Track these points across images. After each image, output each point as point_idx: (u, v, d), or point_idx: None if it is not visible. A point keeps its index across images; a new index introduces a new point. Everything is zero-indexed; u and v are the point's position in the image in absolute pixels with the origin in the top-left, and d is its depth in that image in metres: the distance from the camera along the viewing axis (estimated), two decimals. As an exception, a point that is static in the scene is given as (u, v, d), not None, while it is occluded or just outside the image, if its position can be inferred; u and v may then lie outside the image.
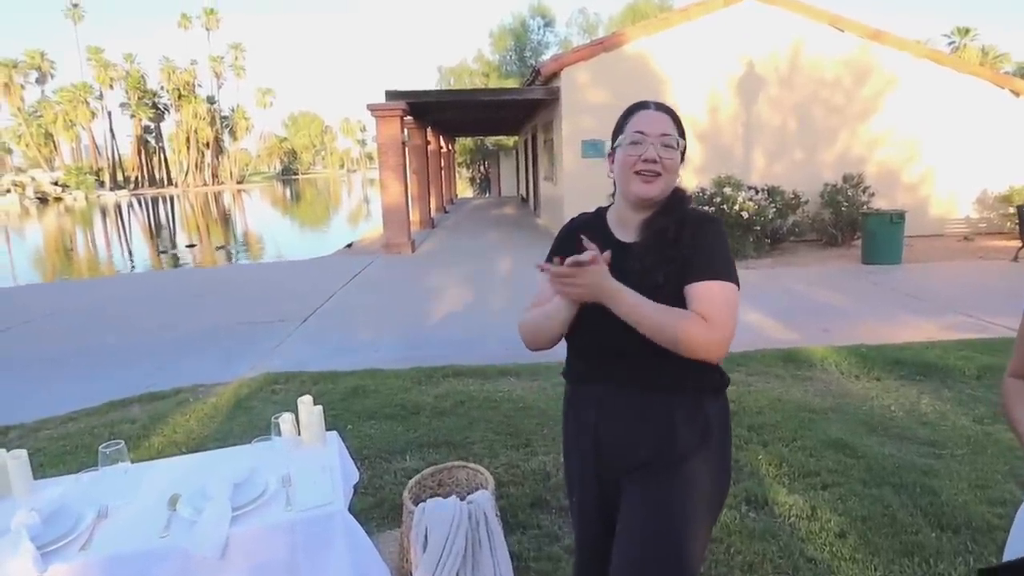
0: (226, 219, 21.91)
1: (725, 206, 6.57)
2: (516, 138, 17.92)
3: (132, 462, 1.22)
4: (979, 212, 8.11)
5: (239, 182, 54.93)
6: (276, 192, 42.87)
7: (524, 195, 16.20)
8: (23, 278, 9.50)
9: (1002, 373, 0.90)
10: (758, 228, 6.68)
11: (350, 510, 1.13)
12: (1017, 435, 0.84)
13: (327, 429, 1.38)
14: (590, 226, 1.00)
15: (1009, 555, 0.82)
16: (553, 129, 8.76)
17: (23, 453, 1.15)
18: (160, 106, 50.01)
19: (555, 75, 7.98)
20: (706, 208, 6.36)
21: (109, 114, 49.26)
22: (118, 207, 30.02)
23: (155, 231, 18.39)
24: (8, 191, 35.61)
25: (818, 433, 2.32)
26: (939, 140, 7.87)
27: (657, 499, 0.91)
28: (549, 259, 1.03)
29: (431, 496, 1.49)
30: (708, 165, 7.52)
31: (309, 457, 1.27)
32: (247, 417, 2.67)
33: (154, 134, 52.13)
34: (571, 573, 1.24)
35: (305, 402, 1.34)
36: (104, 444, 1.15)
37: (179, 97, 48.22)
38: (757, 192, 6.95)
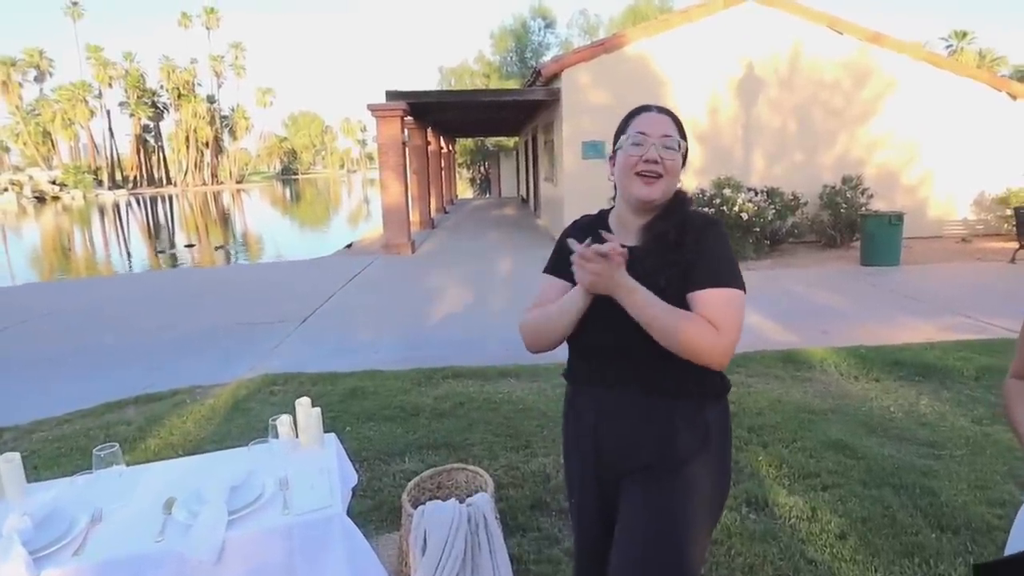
0: (225, 219, 21.88)
1: (725, 207, 6.58)
2: (516, 139, 17.93)
3: (127, 465, 1.20)
4: (977, 214, 8.14)
5: (238, 182, 54.87)
6: (276, 192, 42.84)
7: (524, 196, 16.22)
8: (20, 277, 9.46)
9: (1001, 374, 0.90)
10: (757, 229, 6.70)
11: (348, 513, 1.12)
12: (1017, 436, 0.84)
13: (325, 431, 1.37)
14: (593, 228, 0.99)
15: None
16: (553, 130, 8.76)
17: (16, 456, 1.14)
18: (159, 105, 49.94)
19: (556, 76, 7.98)
20: (706, 209, 6.37)
21: (108, 113, 49.26)
22: (116, 206, 29.97)
23: (154, 231, 18.35)
24: (5, 190, 35.52)
25: (818, 434, 2.32)
26: (937, 142, 7.90)
27: (658, 501, 0.91)
28: (551, 262, 1.03)
29: (430, 499, 1.48)
30: (708, 166, 7.53)
31: (307, 460, 1.26)
32: (245, 419, 2.66)
33: (153, 133, 52.06)
34: (571, 575, 1.23)
35: (303, 404, 1.33)
36: (98, 447, 1.13)
37: (179, 96, 48.16)
38: (756, 194, 6.96)
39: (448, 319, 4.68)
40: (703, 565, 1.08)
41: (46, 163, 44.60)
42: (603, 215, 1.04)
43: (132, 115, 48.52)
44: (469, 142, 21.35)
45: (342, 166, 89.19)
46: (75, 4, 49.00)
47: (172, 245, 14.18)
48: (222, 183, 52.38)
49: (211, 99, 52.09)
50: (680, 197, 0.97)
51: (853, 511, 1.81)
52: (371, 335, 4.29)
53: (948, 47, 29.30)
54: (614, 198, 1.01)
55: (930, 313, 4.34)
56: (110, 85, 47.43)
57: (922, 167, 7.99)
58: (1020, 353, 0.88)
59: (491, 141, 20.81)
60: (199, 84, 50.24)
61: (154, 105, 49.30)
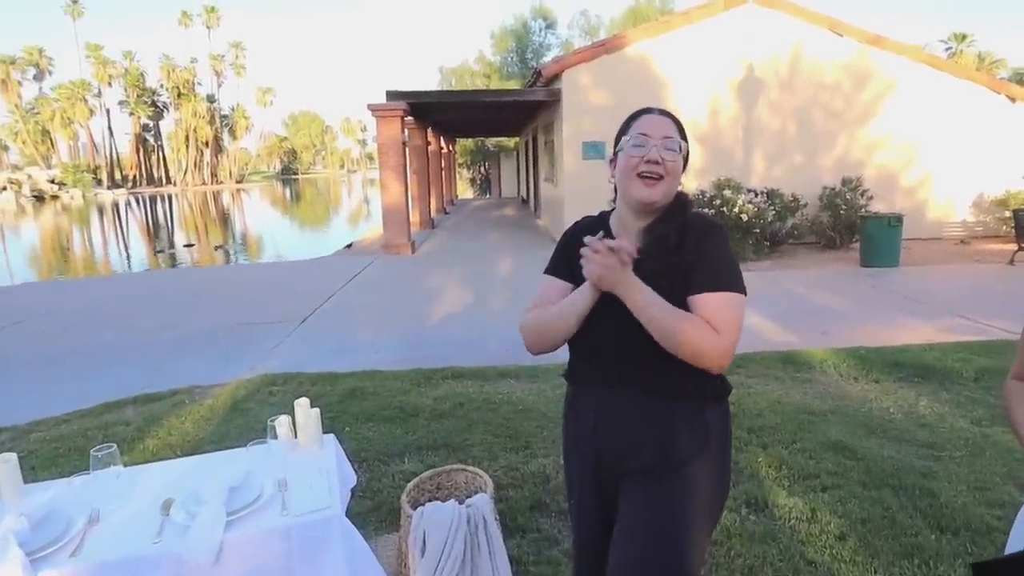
0: (225, 219, 21.85)
1: (725, 208, 6.59)
2: (517, 139, 17.94)
3: (125, 465, 1.20)
4: (975, 216, 8.15)
5: (238, 181, 54.83)
6: (276, 192, 42.83)
7: (524, 196, 16.22)
8: (19, 277, 9.45)
9: (1000, 376, 0.90)
10: (757, 231, 6.70)
11: (347, 514, 1.12)
12: (1018, 437, 0.84)
13: (324, 431, 1.36)
14: (594, 230, 0.98)
15: None
16: (554, 131, 8.77)
17: (13, 457, 1.13)
18: (159, 104, 49.89)
19: (556, 77, 7.98)
20: (706, 210, 6.37)
21: (107, 112, 49.19)
22: (116, 206, 29.93)
23: (153, 230, 18.33)
24: (4, 189, 35.45)
25: (817, 435, 2.32)
26: (937, 144, 7.91)
27: (659, 501, 0.91)
28: (552, 263, 1.03)
29: (429, 500, 1.48)
30: (708, 168, 7.54)
31: (306, 460, 1.25)
32: (244, 419, 2.65)
33: (153, 132, 52.01)
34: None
35: (302, 404, 1.32)
36: (96, 447, 1.13)
37: (178, 95, 48.13)
38: (756, 195, 6.97)
39: (448, 319, 4.67)
40: (703, 567, 1.08)
41: (45, 162, 44.54)
42: (604, 217, 1.04)
43: (132, 114, 48.47)
44: (469, 142, 21.36)
45: (342, 166, 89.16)
46: (75, 2, 48.95)
47: (171, 245, 14.16)
48: (222, 183, 52.34)
49: (211, 98, 52.05)
50: (681, 199, 0.97)
51: (853, 512, 1.81)
52: (371, 335, 4.29)
53: (947, 50, 29.35)
54: (614, 200, 1.01)
55: (929, 314, 4.34)
56: (110, 84, 47.39)
57: (921, 169, 8.01)
58: (1021, 355, 0.88)
59: (491, 141, 20.82)
60: (199, 83, 50.25)
61: (154, 104, 49.26)
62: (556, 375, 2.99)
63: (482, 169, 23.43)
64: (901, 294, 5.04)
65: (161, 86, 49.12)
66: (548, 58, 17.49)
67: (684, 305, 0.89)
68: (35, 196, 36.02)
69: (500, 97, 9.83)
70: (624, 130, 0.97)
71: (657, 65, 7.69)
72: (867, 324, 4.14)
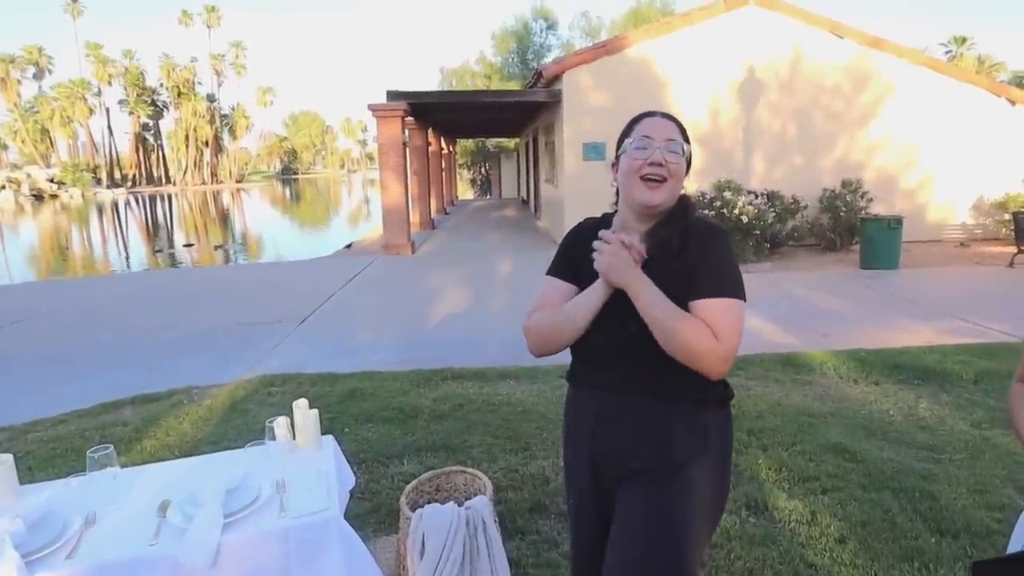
0: (224, 218, 21.84)
1: (725, 210, 6.60)
2: (517, 140, 17.94)
3: (122, 466, 1.19)
4: (975, 218, 8.16)
5: (238, 181, 54.83)
6: (276, 192, 42.82)
7: (525, 197, 16.22)
8: (17, 276, 9.43)
9: (999, 378, 0.90)
10: (757, 232, 6.71)
11: (346, 516, 1.11)
12: (1020, 438, 0.84)
13: (323, 432, 1.36)
14: (596, 231, 0.98)
15: None
16: (554, 131, 8.77)
17: (9, 458, 1.13)
18: (159, 103, 49.88)
19: (557, 78, 7.98)
20: (706, 212, 6.38)
21: (107, 111, 49.17)
22: (115, 205, 29.91)
23: (153, 230, 18.31)
24: (3, 188, 35.42)
25: (817, 437, 2.32)
26: (937, 147, 7.92)
27: (659, 502, 0.90)
28: (554, 264, 1.02)
29: (428, 501, 1.47)
30: (708, 169, 7.54)
31: (304, 462, 1.25)
32: (242, 420, 2.64)
33: (153, 132, 51.99)
34: (569, 580, 1.22)
35: (300, 406, 1.32)
36: (92, 448, 1.12)
37: (179, 95, 48.12)
38: (757, 196, 6.97)
39: (448, 320, 4.67)
40: (702, 569, 1.08)
41: (44, 161, 44.49)
42: (607, 218, 1.04)
43: (131, 113, 48.46)
44: (470, 143, 21.37)
45: (342, 166, 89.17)
46: (75, 1, 48.95)
47: (171, 244, 14.15)
48: (222, 182, 52.32)
49: (211, 98, 52.05)
50: (684, 203, 0.97)
51: (853, 515, 1.81)
52: (370, 336, 4.28)
53: (947, 53, 29.41)
54: (616, 203, 1.01)
55: (929, 317, 4.34)
56: (109, 83, 47.38)
57: (921, 171, 8.01)
58: None
59: (492, 142, 20.83)
60: (199, 83, 50.26)
61: (154, 103, 49.25)
62: (556, 376, 2.99)
63: (482, 170, 23.44)
64: (901, 296, 5.04)
65: (161, 85, 49.12)
66: (549, 59, 17.49)
67: (686, 309, 0.89)
68: (34, 195, 35.99)
69: (501, 98, 9.83)
70: (627, 133, 0.97)
71: (658, 66, 7.69)
72: (867, 326, 4.14)
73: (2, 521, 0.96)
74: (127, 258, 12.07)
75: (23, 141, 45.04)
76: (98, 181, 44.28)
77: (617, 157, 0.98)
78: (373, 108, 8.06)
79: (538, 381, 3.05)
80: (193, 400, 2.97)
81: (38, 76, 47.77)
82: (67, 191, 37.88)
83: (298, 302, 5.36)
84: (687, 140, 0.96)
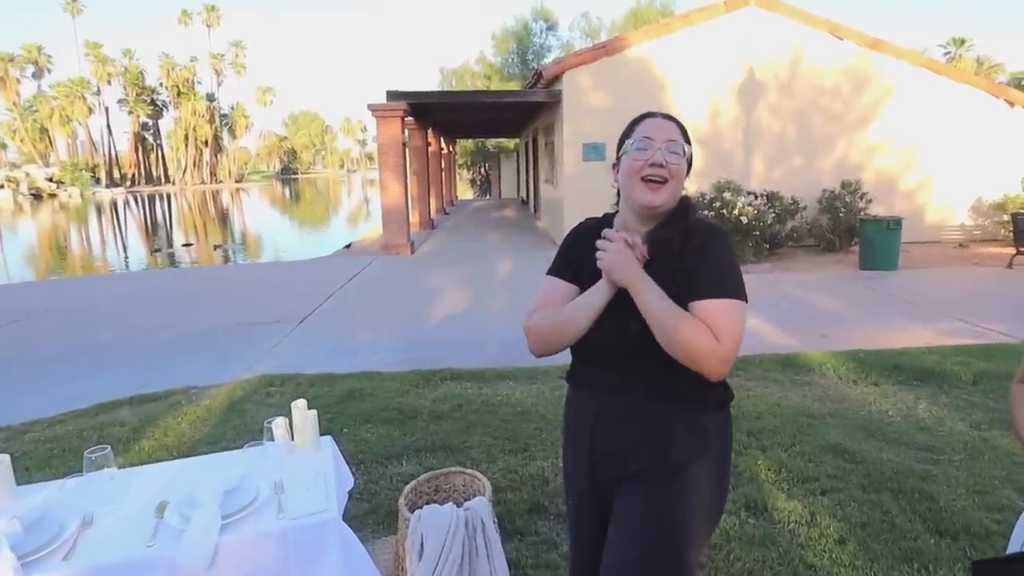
0: (224, 218, 21.82)
1: (724, 211, 6.60)
2: (517, 140, 17.95)
3: (119, 467, 1.19)
4: (974, 219, 8.18)
5: (238, 181, 54.78)
6: (275, 191, 42.78)
7: (524, 197, 16.23)
8: (16, 275, 9.41)
9: (998, 379, 0.90)
10: (757, 233, 6.71)
11: (344, 517, 1.11)
12: (1020, 440, 0.84)
13: (322, 433, 1.36)
14: (598, 231, 0.98)
15: None
16: (554, 132, 8.77)
17: (6, 458, 1.12)
18: (158, 103, 49.83)
19: (557, 78, 7.99)
20: (706, 212, 6.38)
21: (106, 110, 49.13)
22: (114, 204, 29.87)
23: (151, 229, 18.29)
24: (2, 187, 35.35)
25: (817, 438, 2.32)
26: (936, 148, 7.93)
27: (658, 502, 0.90)
28: (555, 264, 1.02)
29: (427, 502, 1.47)
30: (708, 170, 7.55)
31: (302, 463, 1.24)
32: (240, 420, 2.64)
33: (152, 131, 51.95)
34: (568, 581, 1.22)
35: (299, 406, 1.31)
36: (90, 449, 1.12)
37: (178, 94, 48.08)
38: (756, 197, 6.98)
39: (447, 320, 4.66)
40: (700, 570, 1.08)
41: (43, 160, 44.41)
42: (608, 218, 1.04)
43: (131, 113, 48.40)
44: (469, 143, 21.37)
45: (342, 166, 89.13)
46: (74, 0, 48.88)
47: (170, 244, 14.13)
48: (221, 182, 52.27)
49: (211, 97, 52.01)
50: (685, 204, 0.96)
51: (852, 516, 1.81)
52: (370, 336, 4.28)
53: (946, 54, 29.47)
54: (616, 204, 1.01)
55: (928, 318, 4.35)
56: (109, 82, 47.33)
57: (920, 172, 8.03)
58: None
59: (492, 142, 20.83)
60: (199, 82, 50.22)
61: (153, 103, 49.19)
62: (555, 377, 2.99)
63: (482, 170, 23.44)
64: (900, 297, 5.05)
65: (160, 84, 49.07)
66: (549, 59, 17.51)
67: (687, 310, 0.89)
68: (33, 194, 35.92)
69: (501, 98, 9.83)
70: (627, 134, 0.96)
71: (658, 67, 7.70)
72: (866, 327, 4.14)
73: (-2, 522, 0.95)
74: (126, 258, 12.05)
75: (22, 140, 44.98)
76: (97, 180, 44.21)
77: (618, 158, 0.98)
78: (373, 108, 8.05)
79: (537, 382, 3.04)
80: (191, 400, 2.96)
81: (37, 75, 47.72)
82: (66, 190, 37.82)
83: (297, 302, 5.35)
84: (688, 141, 0.96)
